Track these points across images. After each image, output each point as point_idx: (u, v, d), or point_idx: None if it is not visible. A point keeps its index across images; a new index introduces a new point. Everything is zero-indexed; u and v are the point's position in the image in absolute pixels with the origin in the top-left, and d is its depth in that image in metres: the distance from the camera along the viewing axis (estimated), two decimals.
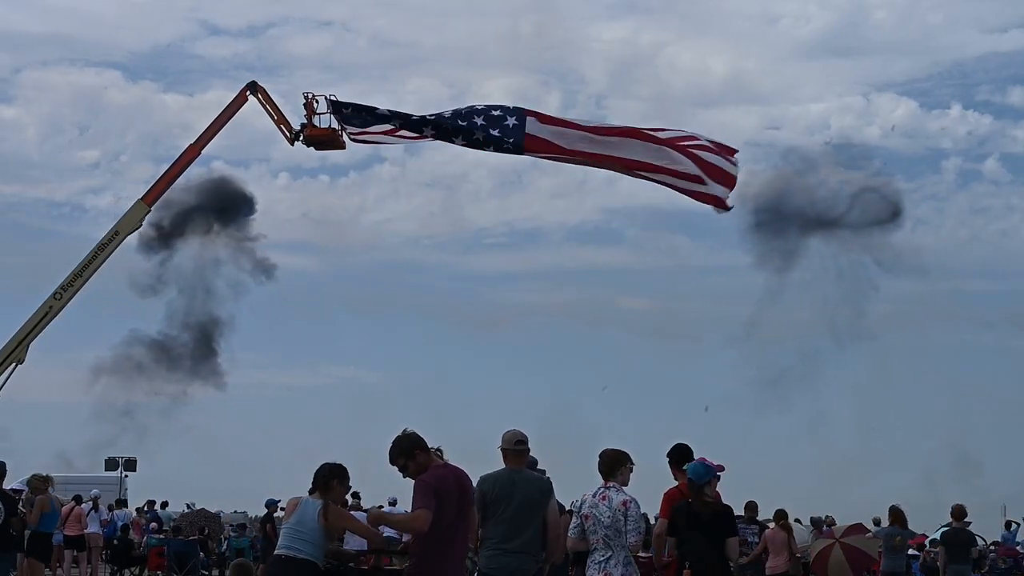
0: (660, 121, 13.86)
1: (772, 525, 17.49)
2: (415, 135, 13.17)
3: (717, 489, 9.04)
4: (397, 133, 13.29)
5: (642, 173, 12.59)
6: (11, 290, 44.34)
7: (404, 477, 7.67)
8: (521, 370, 58.06)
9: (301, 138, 22.06)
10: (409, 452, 7.62)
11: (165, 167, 26.26)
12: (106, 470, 34.87)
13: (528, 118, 12.68)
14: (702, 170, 12.19)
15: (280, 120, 24.09)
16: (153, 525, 27.95)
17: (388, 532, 12.03)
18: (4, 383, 24.50)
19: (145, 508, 30.53)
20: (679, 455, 9.61)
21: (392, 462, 7.68)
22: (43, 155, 64.21)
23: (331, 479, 7.96)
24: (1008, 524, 29.11)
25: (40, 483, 15.36)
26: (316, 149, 22.86)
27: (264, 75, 74.59)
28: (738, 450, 27.43)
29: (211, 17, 75.93)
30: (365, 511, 15.60)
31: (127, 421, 29.61)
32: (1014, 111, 68.50)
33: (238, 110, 25.26)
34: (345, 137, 15.02)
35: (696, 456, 9.33)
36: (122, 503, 29.71)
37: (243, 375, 56.96)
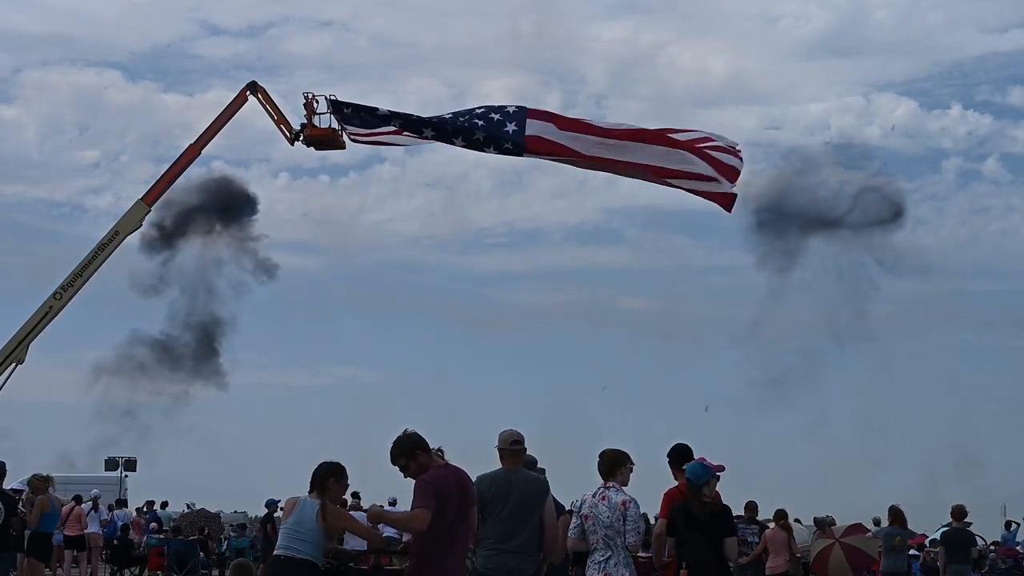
0: (660, 121, 13.67)
1: (772, 525, 17.49)
2: (415, 136, 13.16)
3: (717, 489, 9.04)
4: (397, 134, 13.28)
5: (652, 177, 12.39)
6: (11, 290, 44.41)
7: (405, 477, 7.66)
8: (521, 370, 58.23)
9: (301, 138, 22.10)
10: (410, 452, 7.61)
11: (165, 167, 26.32)
12: (106, 470, 34.88)
13: (529, 120, 12.59)
14: (716, 170, 11.98)
15: (280, 120, 24.09)
16: (153, 525, 27.93)
17: (388, 532, 12.05)
18: (4, 383, 24.53)
19: (145, 508, 30.53)
20: (679, 455, 9.62)
21: (393, 462, 7.67)
22: (43, 155, 64.36)
23: (328, 478, 7.93)
24: (1008, 524, 29.07)
25: (40, 483, 15.38)
26: (316, 149, 22.91)
27: (264, 75, 74.83)
28: (739, 450, 27.43)
29: (211, 17, 76.24)
30: (365, 511, 15.58)
31: (129, 421, 29.74)
32: (1014, 111, 68.66)
33: (238, 110, 25.26)
34: (345, 137, 15.01)
35: (696, 456, 9.33)
36: (122, 503, 29.70)
37: (244, 375, 56.88)
